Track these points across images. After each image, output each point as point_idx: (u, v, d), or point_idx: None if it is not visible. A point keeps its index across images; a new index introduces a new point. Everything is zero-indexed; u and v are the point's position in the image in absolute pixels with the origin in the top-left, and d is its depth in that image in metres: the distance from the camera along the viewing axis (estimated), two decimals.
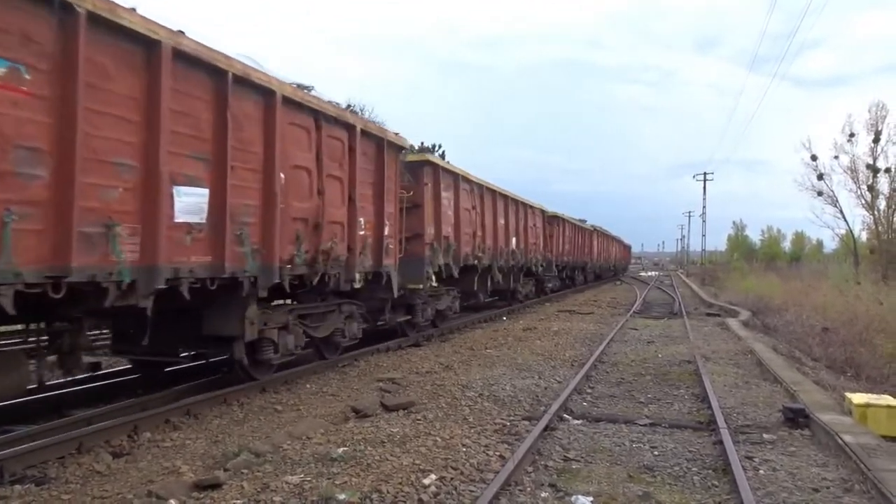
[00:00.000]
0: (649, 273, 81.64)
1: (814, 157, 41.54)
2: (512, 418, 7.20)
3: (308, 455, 5.63)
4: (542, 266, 23.75)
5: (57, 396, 7.38)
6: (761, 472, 5.71)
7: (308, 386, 8.69)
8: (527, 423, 7.01)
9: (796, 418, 7.16)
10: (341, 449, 5.76)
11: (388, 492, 4.84)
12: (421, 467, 5.39)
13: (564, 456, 6.01)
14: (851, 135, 39.59)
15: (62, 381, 8.18)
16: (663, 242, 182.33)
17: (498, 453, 5.90)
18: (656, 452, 6.19)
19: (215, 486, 4.91)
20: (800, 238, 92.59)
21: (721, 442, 6.30)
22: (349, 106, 9.27)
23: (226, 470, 5.26)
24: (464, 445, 6.06)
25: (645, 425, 7.17)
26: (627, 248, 69.96)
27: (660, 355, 12.11)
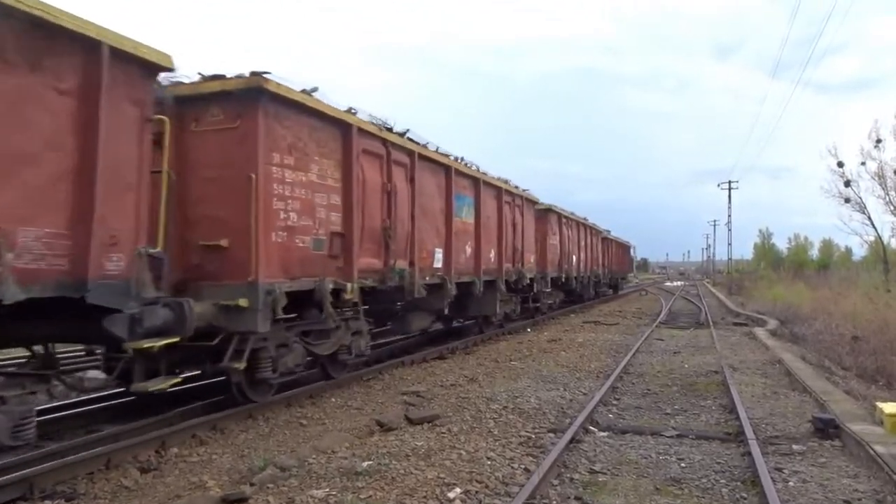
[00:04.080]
0: (675, 283, 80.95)
1: (840, 164, 40.94)
2: (537, 431, 7.16)
3: (333, 469, 5.65)
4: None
5: (86, 412, 7.50)
6: (791, 483, 5.61)
7: (333, 399, 8.73)
8: (552, 435, 6.96)
9: (826, 429, 7.04)
10: (366, 463, 5.77)
11: None
12: (446, 481, 5.38)
13: (590, 468, 5.96)
14: (878, 140, 38.96)
15: (91, 396, 8.33)
16: (688, 252, 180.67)
17: (523, 466, 5.87)
18: (683, 464, 6.11)
19: (241, 500, 4.95)
20: (828, 245, 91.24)
21: (750, 453, 6.20)
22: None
23: (252, 485, 5.29)
24: (489, 458, 6.04)
25: (672, 437, 7.09)
26: (625, 248, 47.32)
27: (686, 366, 11.98)
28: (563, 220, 23.04)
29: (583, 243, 27.00)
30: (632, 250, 54.53)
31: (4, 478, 5.03)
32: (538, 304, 20.22)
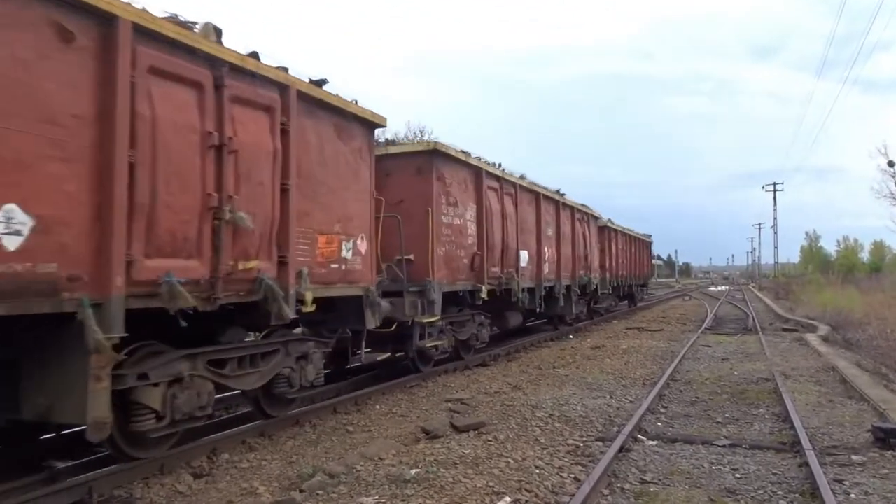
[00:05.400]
0: (719, 287, 79.51)
1: (891, 163, 39.82)
2: (585, 439, 7.08)
3: (381, 476, 5.66)
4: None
5: None
6: (852, 495, 5.43)
7: (378, 407, 8.76)
8: (600, 444, 6.87)
9: (888, 438, 6.79)
10: (414, 470, 5.77)
11: None
12: (495, 489, 5.34)
13: (641, 478, 5.86)
14: None
15: None
16: (733, 256, 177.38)
17: (572, 475, 5.80)
18: (738, 475, 5.96)
19: None
20: (879, 248, 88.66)
21: (807, 464, 6.01)
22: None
23: (301, 491, 5.33)
24: (537, 467, 5.98)
25: (724, 446, 6.92)
26: (643, 244, 34.53)
27: (735, 373, 11.71)
28: (492, 184, 12.70)
29: (550, 232, 16.38)
30: (653, 248, 40.93)
31: (66, 482, 5.17)
32: (414, 355, 10.62)
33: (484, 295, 12.06)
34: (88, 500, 5.12)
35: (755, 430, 7.68)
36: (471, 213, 11.98)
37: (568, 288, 17.69)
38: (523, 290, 13.87)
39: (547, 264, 16.06)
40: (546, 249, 15.99)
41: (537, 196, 15.50)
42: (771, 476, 5.92)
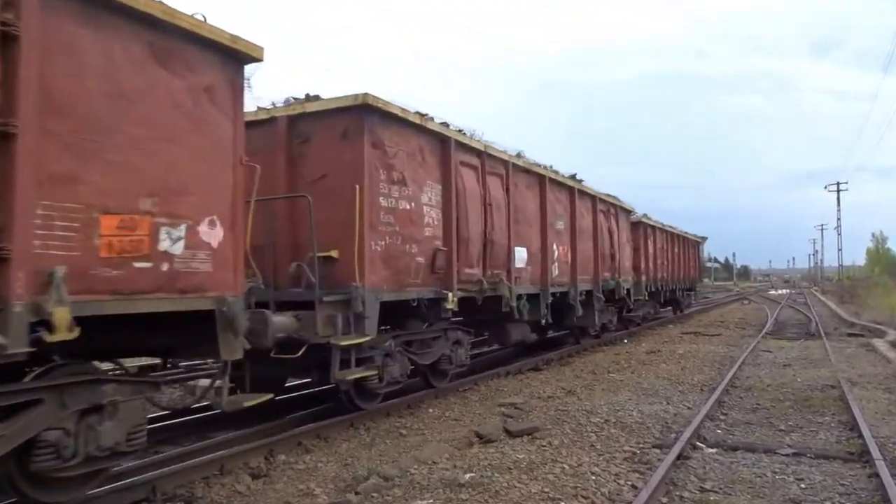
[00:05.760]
0: (779, 291, 77.23)
1: None
2: (641, 446, 6.94)
3: (435, 480, 5.66)
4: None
5: (195, 420, 7.85)
6: None
7: (431, 410, 8.78)
8: (657, 451, 6.73)
9: None
10: (468, 475, 5.75)
11: None
12: (550, 495, 5.29)
13: (701, 486, 5.71)
14: None
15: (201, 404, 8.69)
16: (794, 258, 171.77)
17: (629, 482, 5.70)
18: (803, 485, 5.76)
19: None
20: None
21: (877, 475, 5.76)
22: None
23: (357, 493, 5.38)
24: (593, 473, 5.90)
25: (787, 455, 6.69)
26: (689, 244, 30.65)
27: (799, 379, 11.32)
28: (467, 160, 9.84)
29: (561, 225, 13.28)
30: (707, 250, 36.38)
31: (131, 479, 5.34)
32: (348, 388, 7.84)
33: (451, 305, 9.13)
34: (153, 497, 5.27)
35: (820, 439, 7.41)
36: (431, 196, 8.98)
37: (589, 293, 14.81)
38: (520, 296, 11.05)
39: (556, 265, 13.01)
40: (555, 247, 12.96)
41: (541, 179, 12.35)
42: (838, 487, 5.70)
